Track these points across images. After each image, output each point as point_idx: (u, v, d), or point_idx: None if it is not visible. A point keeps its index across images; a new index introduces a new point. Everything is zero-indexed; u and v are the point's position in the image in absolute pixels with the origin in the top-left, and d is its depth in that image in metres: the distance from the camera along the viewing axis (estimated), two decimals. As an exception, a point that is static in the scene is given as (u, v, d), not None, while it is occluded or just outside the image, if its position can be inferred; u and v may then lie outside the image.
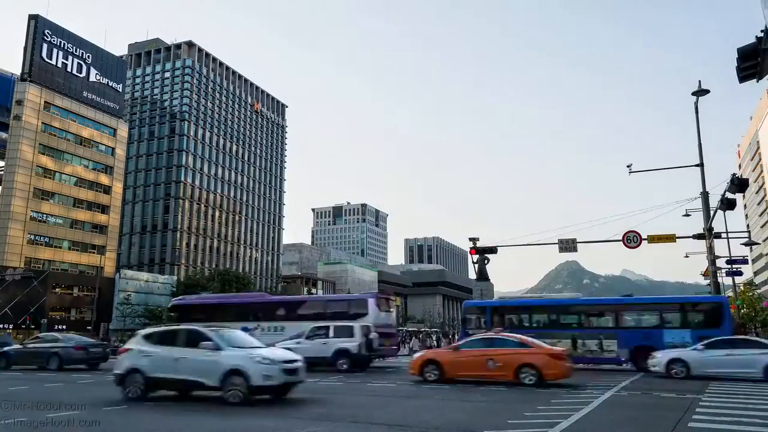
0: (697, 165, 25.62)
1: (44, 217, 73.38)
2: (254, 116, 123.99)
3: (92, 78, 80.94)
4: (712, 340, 18.62)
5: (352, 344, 21.08)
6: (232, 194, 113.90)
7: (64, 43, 76.97)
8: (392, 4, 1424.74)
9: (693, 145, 25.79)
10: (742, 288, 63.79)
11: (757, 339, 23.57)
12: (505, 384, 15.57)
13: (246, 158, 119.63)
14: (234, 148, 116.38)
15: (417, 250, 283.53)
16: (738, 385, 15.90)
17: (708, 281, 28.74)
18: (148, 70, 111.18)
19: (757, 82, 10.04)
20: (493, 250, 44.72)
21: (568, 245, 29.74)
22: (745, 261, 37.10)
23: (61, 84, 76.41)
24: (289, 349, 15.18)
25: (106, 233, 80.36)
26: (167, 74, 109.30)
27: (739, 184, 22.37)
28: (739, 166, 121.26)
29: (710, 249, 25.59)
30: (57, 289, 70.77)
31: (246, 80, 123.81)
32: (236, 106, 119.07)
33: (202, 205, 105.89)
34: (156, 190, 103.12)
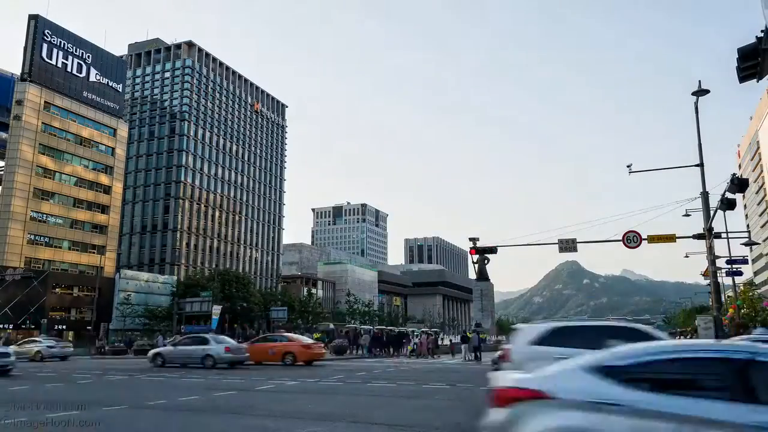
0: (697, 165, 25.60)
1: (44, 217, 73.39)
2: (254, 116, 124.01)
3: (92, 78, 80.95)
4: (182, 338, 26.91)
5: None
6: (232, 194, 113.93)
7: (64, 43, 76.99)
8: (392, 5, 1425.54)
9: (693, 145, 25.76)
10: (742, 288, 63.82)
11: (205, 336, 27.15)
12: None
13: (246, 158, 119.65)
14: (234, 148, 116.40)
15: (417, 250, 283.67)
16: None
17: (708, 281, 28.75)
18: (148, 70, 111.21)
19: (758, 82, 10.05)
20: (493, 250, 44.76)
21: (568, 245, 29.76)
22: (745, 261, 37.12)
23: (61, 84, 76.43)
24: None
25: (106, 233, 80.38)
26: (167, 74, 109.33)
27: (739, 184, 22.35)
28: (739, 166, 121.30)
29: (710, 249, 25.58)
30: (57, 289, 70.78)
31: (246, 80, 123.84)
32: (236, 106, 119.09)
33: (202, 205, 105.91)
34: (156, 190, 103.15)
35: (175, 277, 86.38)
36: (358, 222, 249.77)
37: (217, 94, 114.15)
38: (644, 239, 27.15)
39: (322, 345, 30.54)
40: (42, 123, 73.46)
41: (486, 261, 63.32)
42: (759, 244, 79.62)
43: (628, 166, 27.25)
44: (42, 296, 66.24)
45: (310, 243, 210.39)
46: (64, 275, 73.85)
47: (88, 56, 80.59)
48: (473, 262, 64.18)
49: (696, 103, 25.28)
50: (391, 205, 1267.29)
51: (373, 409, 11.40)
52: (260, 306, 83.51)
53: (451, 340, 60.71)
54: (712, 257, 25.88)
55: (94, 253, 77.43)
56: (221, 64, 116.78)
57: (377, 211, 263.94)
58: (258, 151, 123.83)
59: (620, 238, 27.64)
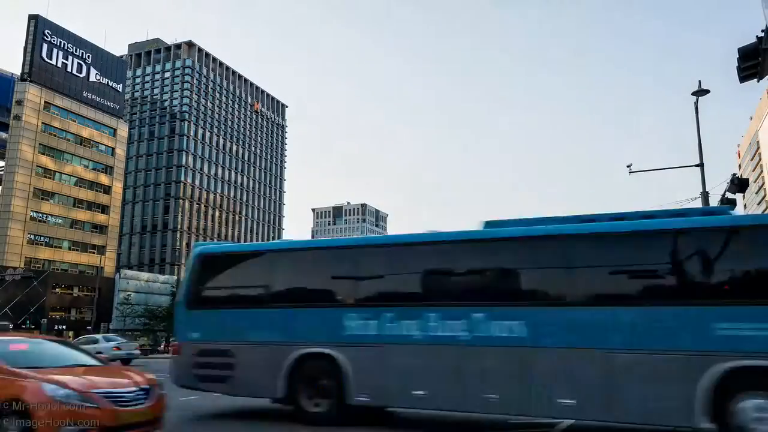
0: (697, 165, 25.58)
1: (44, 217, 73.39)
2: (254, 116, 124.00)
3: (92, 78, 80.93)
4: None
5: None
6: (232, 194, 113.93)
7: (64, 43, 76.96)
8: (392, 5, 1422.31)
9: (693, 145, 25.79)
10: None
11: (95, 336, 29.25)
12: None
13: (246, 158, 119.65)
14: (234, 148, 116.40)
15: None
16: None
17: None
18: (148, 70, 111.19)
19: (758, 82, 10.04)
20: (493, 250, 44.83)
21: (568, 245, 29.62)
22: (745, 261, 36.99)
23: (61, 84, 76.41)
24: None
25: (106, 233, 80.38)
26: (167, 74, 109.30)
27: (739, 184, 22.32)
28: (739, 166, 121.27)
29: (710, 249, 25.53)
30: (57, 289, 70.78)
31: (246, 80, 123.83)
32: (236, 106, 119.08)
33: (202, 205, 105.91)
34: (156, 190, 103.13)
35: (175, 277, 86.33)
36: (358, 222, 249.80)
37: (217, 94, 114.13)
38: (644, 239, 27.05)
39: None
40: (42, 123, 73.44)
41: (486, 261, 63.64)
42: (759, 244, 79.45)
43: (628, 166, 27.17)
44: (42, 296, 66.23)
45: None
46: (64, 275, 73.85)
47: (88, 56, 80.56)
48: (473, 262, 64.46)
49: (696, 103, 25.28)
50: (391, 205, 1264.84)
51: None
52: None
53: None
54: (712, 257, 25.84)
55: (94, 253, 77.43)
56: (221, 64, 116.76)
57: (377, 211, 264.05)
58: (258, 151, 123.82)
59: (620, 238, 27.54)
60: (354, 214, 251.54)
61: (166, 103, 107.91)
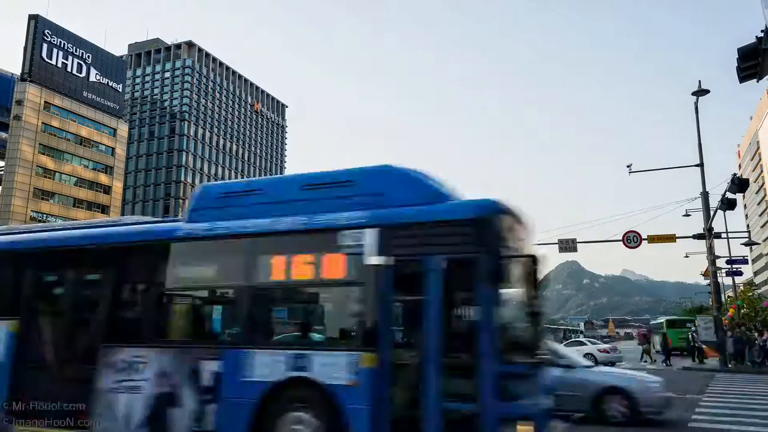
0: (697, 165, 25.64)
1: (44, 217, 73.33)
2: (254, 116, 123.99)
3: (92, 78, 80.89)
4: None
5: None
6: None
7: (64, 43, 76.93)
8: (392, 5, 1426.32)
9: (693, 145, 25.81)
10: (742, 288, 63.82)
11: None
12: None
13: (246, 158, 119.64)
14: (234, 148, 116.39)
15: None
16: (737, 385, 15.91)
17: (708, 281, 28.75)
18: (148, 70, 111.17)
19: (758, 82, 10.03)
20: (493, 250, 44.77)
21: (568, 245, 29.75)
22: (745, 261, 37.04)
23: (61, 84, 76.38)
24: None
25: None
26: (167, 74, 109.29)
27: (739, 184, 22.37)
28: (739, 166, 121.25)
29: (710, 249, 25.59)
30: (57, 289, 70.79)
31: (246, 80, 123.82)
32: (236, 106, 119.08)
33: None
34: (156, 190, 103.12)
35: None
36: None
37: (217, 94, 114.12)
38: (644, 239, 27.15)
39: None
40: (42, 123, 73.41)
41: (486, 261, 63.50)
42: (759, 244, 79.62)
43: (628, 166, 27.31)
44: (42, 296, 66.21)
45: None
46: (64, 275, 73.82)
47: (88, 56, 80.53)
48: (473, 262, 64.26)
49: (696, 103, 25.31)
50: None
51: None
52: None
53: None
54: (712, 257, 25.90)
55: (94, 253, 77.41)
56: (221, 64, 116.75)
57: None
58: (258, 151, 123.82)
59: (620, 238, 27.63)
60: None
61: (166, 103, 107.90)
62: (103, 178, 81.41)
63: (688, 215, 31.48)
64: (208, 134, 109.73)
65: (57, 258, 8.27)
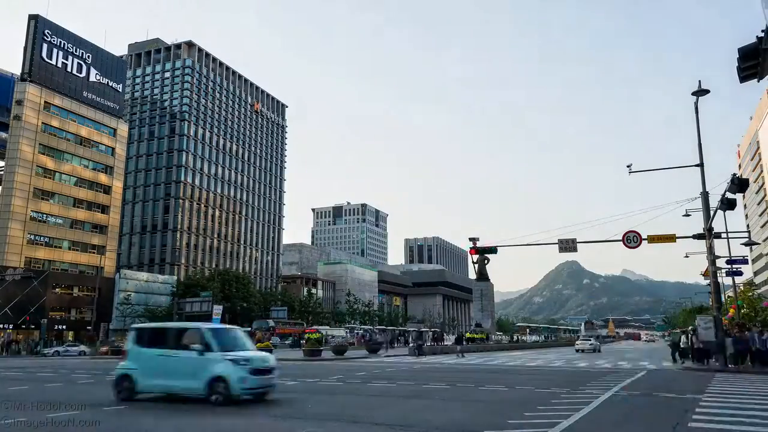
0: (697, 165, 25.61)
1: (44, 217, 73.31)
2: (254, 116, 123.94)
3: (92, 78, 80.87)
4: None
5: None
6: (232, 194, 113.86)
7: (64, 43, 76.91)
8: (392, 5, 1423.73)
9: (693, 145, 25.79)
10: (742, 288, 63.79)
11: None
12: (505, 384, 15.53)
13: (246, 158, 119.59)
14: (234, 148, 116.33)
15: (417, 250, 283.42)
16: (737, 385, 15.91)
17: (708, 281, 28.74)
18: (148, 70, 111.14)
19: (758, 82, 10.03)
20: (493, 250, 44.71)
21: (568, 245, 29.73)
22: (745, 261, 37.07)
23: (61, 84, 76.35)
24: None
25: (106, 233, 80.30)
26: (167, 74, 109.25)
27: (739, 184, 22.35)
28: (739, 166, 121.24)
29: (710, 249, 25.58)
30: (57, 289, 70.74)
31: (246, 80, 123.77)
32: (236, 106, 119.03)
33: (202, 205, 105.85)
34: (156, 190, 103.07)
35: (175, 277, 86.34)
36: (358, 222, 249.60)
37: (217, 94, 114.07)
38: (644, 239, 27.14)
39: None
40: (42, 123, 73.38)
41: (486, 261, 63.40)
42: (759, 244, 79.59)
43: (628, 166, 27.26)
44: (42, 296, 66.21)
45: (310, 243, 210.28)
46: (63, 275, 73.78)
47: (88, 56, 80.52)
48: (473, 262, 64.19)
49: (696, 103, 25.28)
50: (391, 205, 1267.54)
51: (374, 409, 11.38)
52: (260, 306, 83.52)
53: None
54: (712, 257, 25.87)
55: (94, 253, 77.36)
56: (221, 64, 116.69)
57: (377, 211, 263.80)
58: (258, 151, 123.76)
59: (620, 238, 27.62)
60: (354, 214, 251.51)
61: (166, 103, 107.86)
62: (103, 178, 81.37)
63: (688, 215, 31.45)
64: (208, 134, 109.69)
65: None
